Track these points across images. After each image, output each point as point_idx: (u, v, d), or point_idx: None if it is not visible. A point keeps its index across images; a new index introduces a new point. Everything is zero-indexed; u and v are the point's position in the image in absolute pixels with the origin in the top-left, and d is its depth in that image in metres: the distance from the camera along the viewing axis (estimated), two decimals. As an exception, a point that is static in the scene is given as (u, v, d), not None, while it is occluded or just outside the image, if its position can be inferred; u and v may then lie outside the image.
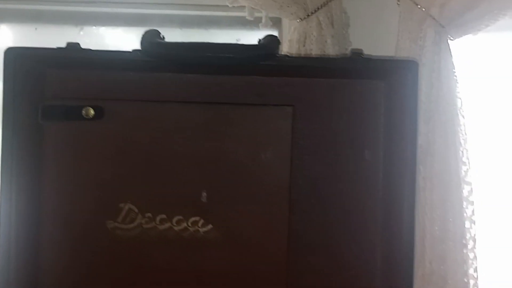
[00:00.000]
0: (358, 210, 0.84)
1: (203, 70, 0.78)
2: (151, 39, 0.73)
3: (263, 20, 1.04)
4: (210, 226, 0.80)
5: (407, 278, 0.80)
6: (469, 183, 1.06)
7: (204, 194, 0.79)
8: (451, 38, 1.06)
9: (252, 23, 1.13)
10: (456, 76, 1.07)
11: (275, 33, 1.23)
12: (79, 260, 0.79)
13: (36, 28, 1.16)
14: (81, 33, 1.18)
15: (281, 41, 1.15)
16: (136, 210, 0.79)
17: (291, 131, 0.81)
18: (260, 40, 0.77)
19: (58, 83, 0.75)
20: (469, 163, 1.06)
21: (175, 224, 0.79)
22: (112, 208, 0.78)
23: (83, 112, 0.75)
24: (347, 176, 0.83)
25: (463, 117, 1.06)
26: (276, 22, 1.21)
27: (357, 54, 0.78)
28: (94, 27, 1.21)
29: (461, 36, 1.06)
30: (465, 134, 1.05)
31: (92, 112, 0.76)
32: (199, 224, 0.79)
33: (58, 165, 0.78)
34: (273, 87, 0.80)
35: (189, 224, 0.79)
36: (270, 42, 0.75)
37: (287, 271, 0.81)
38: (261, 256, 0.81)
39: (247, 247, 0.81)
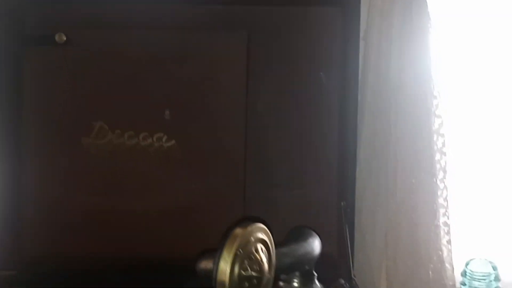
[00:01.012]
0: (316, 130, 0.90)
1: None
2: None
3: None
4: (173, 142, 0.88)
5: (352, 187, 0.86)
6: (439, 116, 1.09)
7: (167, 112, 0.87)
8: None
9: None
10: (428, 12, 1.09)
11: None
12: (58, 174, 0.88)
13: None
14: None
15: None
16: (107, 127, 0.87)
17: (246, 55, 0.87)
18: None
19: (34, 11, 0.85)
20: (440, 96, 1.09)
21: (141, 139, 0.87)
22: (86, 126, 0.87)
23: (56, 37, 0.85)
24: (304, 100, 0.89)
25: (435, 50, 1.09)
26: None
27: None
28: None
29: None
30: (436, 68, 1.09)
31: (64, 37, 0.85)
32: (163, 140, 0.88)
33: (36, 88, 0.87)
34: (229, 13, 0.87)
35: (154, 140, 0.87)
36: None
37: (243, 186, 0.88)
38: (220, 169, 0.88)
39: (207, 162, 0.88)
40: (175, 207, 0.86)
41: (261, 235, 0.57)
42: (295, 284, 0.75)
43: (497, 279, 1.11)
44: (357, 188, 1.09)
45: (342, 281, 0.75)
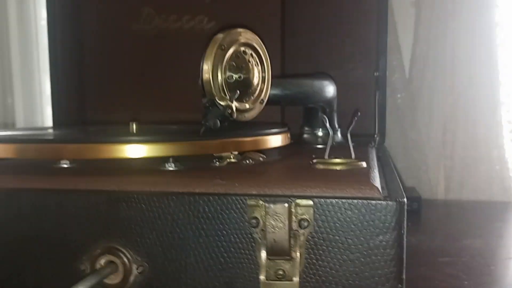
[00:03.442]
0: (355, 10, 0.90)
1: None
2: None
3: None
4: (213, 23, 0.92)
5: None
6: (498, 6, 1.04)
7: (207, -6, 0.92)
8: None
9: None
10: None
11: None
12: (113, 58, 0.97)
13: None
14: None
15: None
16: (154, 12, 0.94)
17: None
18: None
19: None
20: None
21: (185, 22, 0.93)
22: (134, 12, 0.95)
23: None
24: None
25: None
26: None
27: None
28: None
29: None
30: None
31: None
32: (204, 22, 0.92)
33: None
34: None
35: (196, 22, 0.93)
36: None
37: (281, 67, 0.90)
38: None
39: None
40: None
41: (249, 41, 0.58)
42: (319, 134, 0.75)
43: None
44: (413, 85, 1.07)
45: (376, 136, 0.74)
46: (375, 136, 0.75)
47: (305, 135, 0.76)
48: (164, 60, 0.93)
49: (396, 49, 1.07)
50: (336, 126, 0.75)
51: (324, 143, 0.74)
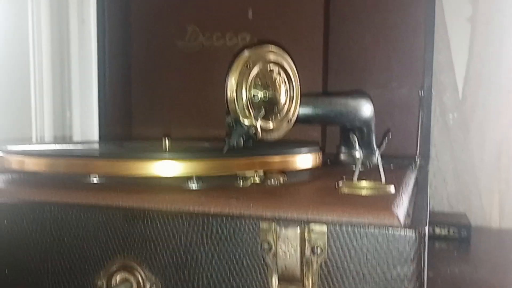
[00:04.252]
0: (401, 28, 0.87)
1: None
2: None
3: None
4: (256, 40, 0.92)
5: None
6: None
7: (250, 11, 0.92)
8: None
9: None
10: None
11: None
12: (160, 74, 0.98)
13: None
14: None
15: None
16: (198, 30, 0.95)
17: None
18: None
19: None
20: None
21: (228, 40, 0.93)
22: (180, 30, 0.96)
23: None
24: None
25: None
26: None
27: None
28: None
29: None
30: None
31: None
32: (247, 39, 0.92)
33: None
34: None
35: (239, 40, 0.93)
36: None
37: (324, 84, 0.88)
38: (300, 69, 0.90)
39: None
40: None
41: (277, 59, 0.57)
42: (356, 155, 0.73)
43: None
44: (466, 105, 1.02)
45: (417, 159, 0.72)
46: (416, 158, 0.71)
47: (342, 156, 0.73)
48: (209, 76, 0.93)
49: (449, 67, 1.02)
50: (375, 147, 0.72)
51: (362, 164, 0.71)
